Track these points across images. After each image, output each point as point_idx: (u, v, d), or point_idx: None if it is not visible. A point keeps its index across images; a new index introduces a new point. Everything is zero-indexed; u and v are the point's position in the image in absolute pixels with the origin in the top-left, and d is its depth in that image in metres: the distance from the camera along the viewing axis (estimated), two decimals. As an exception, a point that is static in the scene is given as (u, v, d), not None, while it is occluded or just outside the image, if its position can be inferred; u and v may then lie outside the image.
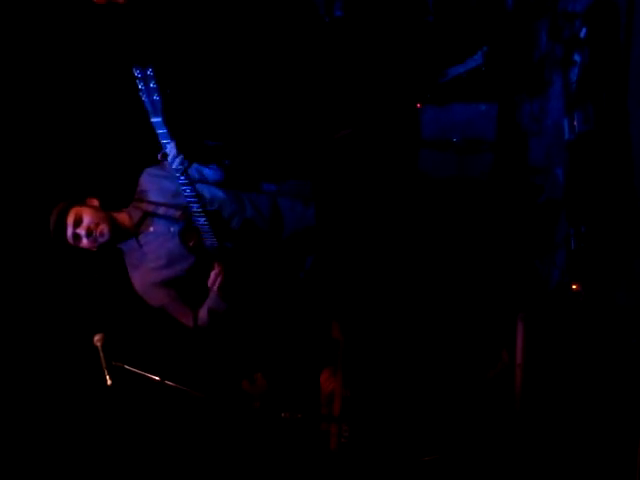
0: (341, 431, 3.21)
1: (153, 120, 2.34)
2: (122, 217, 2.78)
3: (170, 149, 2.43)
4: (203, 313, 2.83)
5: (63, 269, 3.47)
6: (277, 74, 3.46)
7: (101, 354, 2.44)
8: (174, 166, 2.48)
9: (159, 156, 2.47)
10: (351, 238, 3.16)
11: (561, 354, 2.98)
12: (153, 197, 2.79)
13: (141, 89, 2.26)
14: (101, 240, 2.67)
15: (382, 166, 3.53)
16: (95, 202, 2.74)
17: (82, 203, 2.72)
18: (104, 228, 2.67)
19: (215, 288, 2.75)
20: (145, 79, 2.24)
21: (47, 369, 3.43)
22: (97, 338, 2.47)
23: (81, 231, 2.65)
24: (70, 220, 2.65)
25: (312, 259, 2.96)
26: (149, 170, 2.82)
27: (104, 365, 2.44)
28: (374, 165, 3.54)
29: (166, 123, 2.35)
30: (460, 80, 3.42)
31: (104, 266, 3.32)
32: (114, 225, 2.72)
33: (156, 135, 2.40)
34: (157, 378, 2.49)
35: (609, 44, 2.94)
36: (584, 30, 2.98)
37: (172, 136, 2.41)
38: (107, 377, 2.43)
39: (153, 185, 2.80)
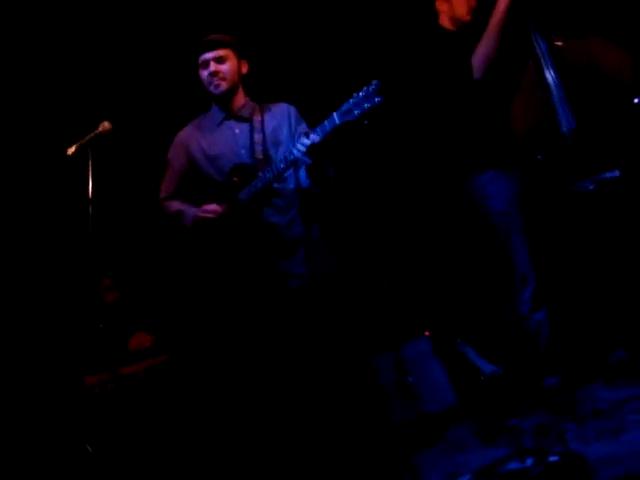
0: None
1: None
2: (239, 99, 3.01)
3: (305, 143, 2.65)
4: (175, 207, 3.00)
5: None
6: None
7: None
8: (300, 154, 2.66)
9: (305, 131, 2.73)
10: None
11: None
12: (269, 124, 2.97)
13: (357, 97, 2.53)
14: (217, 81, 2.93)
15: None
16: (244, 68, 3.01)
17: (239, 60, 2.98)
18: (223, 84, 2.94)
19: (202, 214, 2.89)
20: (369, 96, 2.51)
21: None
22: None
23: (212, 68, 2.92)
24: (216, 54, 2.92)
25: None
26: (294, 110, 3.04)
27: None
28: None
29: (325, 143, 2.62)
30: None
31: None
32: (231, 94, 2.98)
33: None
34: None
35: None
36: None
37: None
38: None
39: (282, 120, 2.99)
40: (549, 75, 2.97)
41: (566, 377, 3.13)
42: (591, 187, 2.90)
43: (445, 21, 3.25)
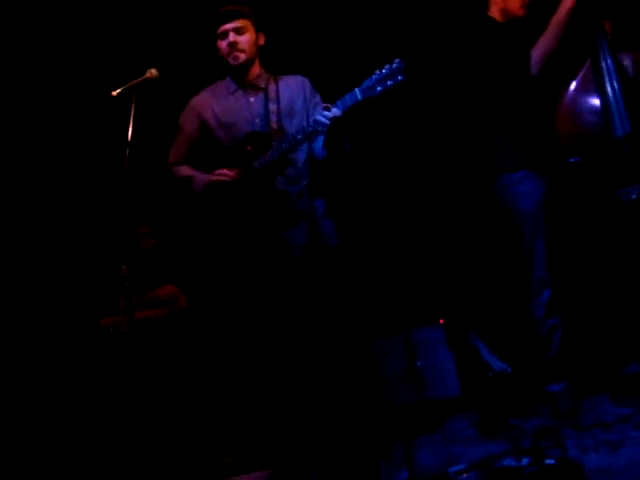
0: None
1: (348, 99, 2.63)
2: (255, 69, 3.01)
3: (327, 116, 2.65)
4: (184, 172, 3.00)
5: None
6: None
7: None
8: (320, 126, 2.67)
9: (325, 105, 2.72)
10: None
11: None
12: (284, 95, 2.97)
13: (380, 74, 2.55)
14: (235, 52, 2.93)
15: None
16: (262, 40, 3.01)
17: (257, 31, 2.98)
18: (242, 56, 2.94)
19: (215, 177, 2.89)
20: (392, 74, 2.54)
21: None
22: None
23: (231, 38, 2.92)
24: (235, 25, 2.92)
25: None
26: (308, 82, 3.04)
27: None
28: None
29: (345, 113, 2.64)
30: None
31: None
32: (248, 64, 2.98)
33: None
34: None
35: None
36: None
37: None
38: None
39: (297, 92, 3.00)
40: (609, 87, 2.94)
41: (574, 384, 3.13)
42: (634, 196, 2.87)
43: (495, 12, 3.18)
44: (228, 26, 2.92)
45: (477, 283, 3.93)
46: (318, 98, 3.02)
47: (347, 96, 2.65)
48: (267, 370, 2.98)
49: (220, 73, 3.12)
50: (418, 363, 3.30)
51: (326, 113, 2.66)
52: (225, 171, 2.89)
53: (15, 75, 4.07)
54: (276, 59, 3.14)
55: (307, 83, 3.05)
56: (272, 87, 2.99)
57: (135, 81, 2.76)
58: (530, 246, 3.12)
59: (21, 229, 4.00)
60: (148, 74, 2.78)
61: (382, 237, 3.87)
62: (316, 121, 2.68)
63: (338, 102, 2.67)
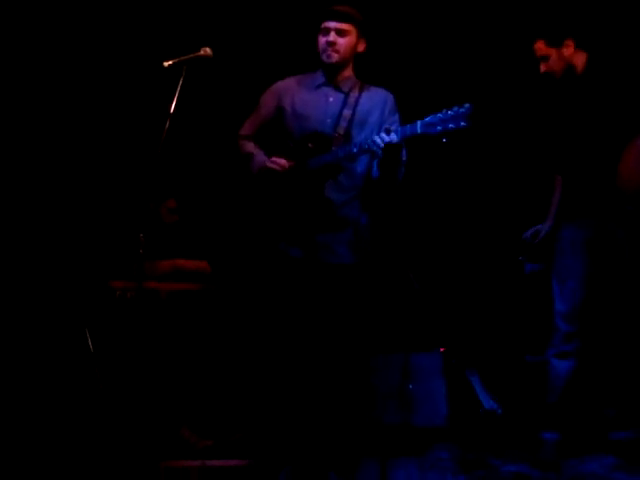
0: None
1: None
2: (346, 72, 3.04)
3: (384, 139, 2.68)
4: (248, 148, 3.07)
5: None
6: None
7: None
8: (375, 147, 2.70)
9: (387, 127, 2.75)
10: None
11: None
12: (363, 105, 2.99)
13: (446, 114, 2.54)
14: (330, 51, 2.96)
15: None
16: (361, 47, 3.03)
17: (359, 37, 3.00)
18: (335, 56, 2.97)
19: (269, 164, 2.94)
20: (457, 118, 2.52)
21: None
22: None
23: (331, 38, 2.95)
24: (339, 26, 2.96)
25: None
26: (391, 99, 3.07)
27: None
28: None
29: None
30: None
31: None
32: (340, 66, 3.01)
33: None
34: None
35: None
36: None
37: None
38: None
39: (377, 105, 3.02)
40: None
41: (565, 437, 3.09)
42: None
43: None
44: (331, 24, 2.95)
45: (487, 320, 3.92)
46: (396, 117, 3.04)
47: (408, 126, 2.68)
48: (264, 364, 3.00)
49: (271, 69, 3.15)
50: (410, 386, 3.30)
51: (383, 135, 2.69)
52: (280, 161, 2.94)
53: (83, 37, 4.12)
54: (368, 67, 3.17)
55: (390, 99, 3.07)
56: (354, 94, 3.02)
57: (188, 56, 2.80)
58: (558, 287, 3.09)
59: (53, 185, 4.05)
60: (202, 52, 2.82)
61: (403, 258, 3.89)
62: (373, 140, 2.71)
63: (398, 129, 2.71)
